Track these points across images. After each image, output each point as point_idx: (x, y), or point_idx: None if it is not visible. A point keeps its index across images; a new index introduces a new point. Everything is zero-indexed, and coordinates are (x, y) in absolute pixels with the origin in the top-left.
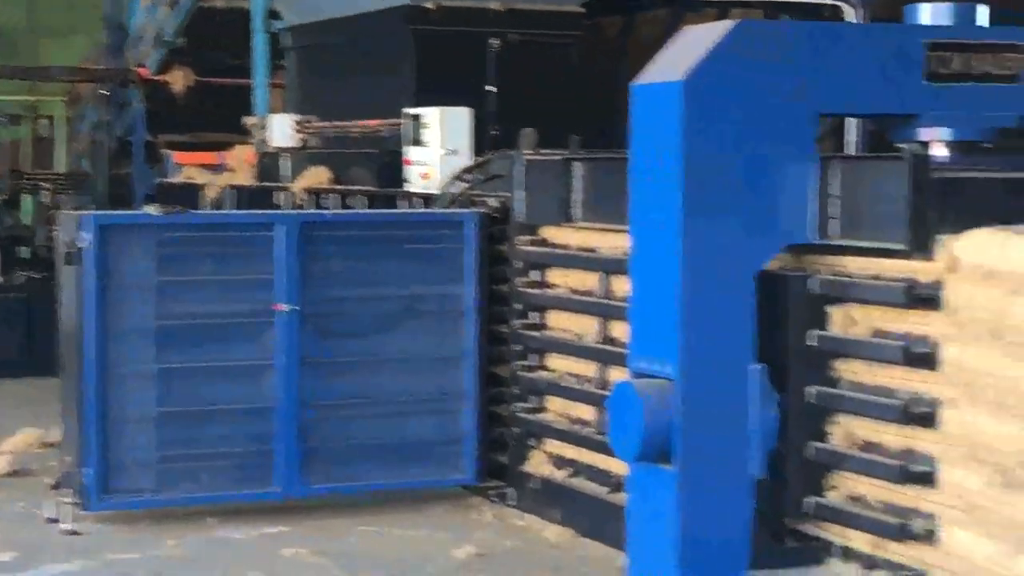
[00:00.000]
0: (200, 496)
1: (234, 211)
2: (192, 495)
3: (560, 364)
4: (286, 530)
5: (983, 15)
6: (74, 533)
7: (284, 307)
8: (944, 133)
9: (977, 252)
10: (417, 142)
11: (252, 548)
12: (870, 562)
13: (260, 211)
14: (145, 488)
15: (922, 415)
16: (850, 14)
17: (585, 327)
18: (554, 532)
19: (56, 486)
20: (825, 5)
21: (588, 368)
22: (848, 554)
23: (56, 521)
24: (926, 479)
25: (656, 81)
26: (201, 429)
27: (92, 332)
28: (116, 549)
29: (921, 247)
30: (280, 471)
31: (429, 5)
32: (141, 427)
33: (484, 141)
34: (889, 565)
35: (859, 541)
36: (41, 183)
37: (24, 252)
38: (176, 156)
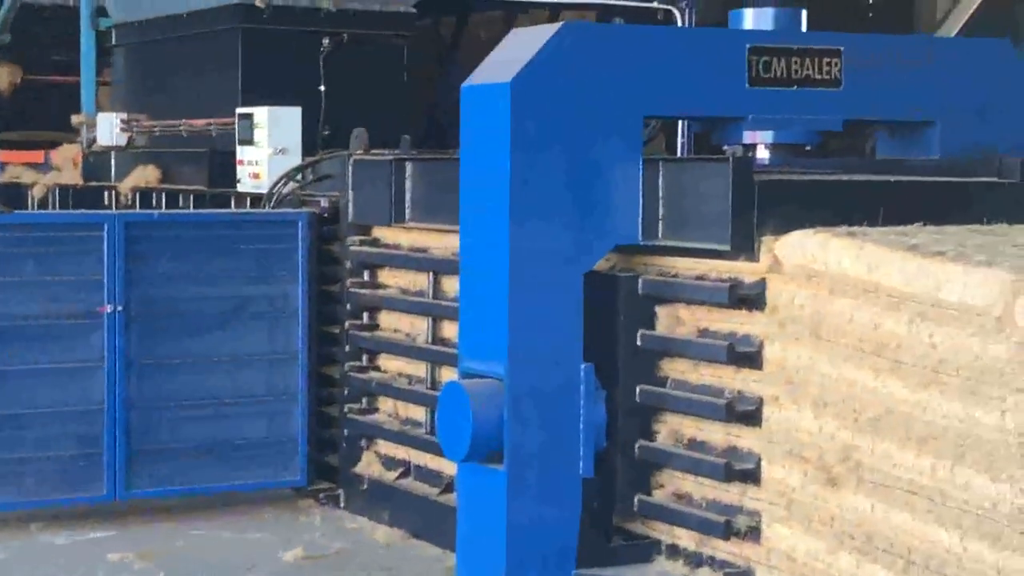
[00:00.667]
0: (23, 501)
1: (59, 211)
2: (15, 500)
3: (391, 365)
4: (112, 534)
5: (804, 20)
6: None
7: (108, 308)
8: (767, 136)
9: (798, 253)
10: (247, 140)
11: (76, 553)
12: (696, 559)
13: (86, 211)
14: None
15: (746, 413)
16: (678, 17)
17: (416, 327)
18: (384, 533)
19: None
20: (657, 9)
21: (419, 368)
22: (674, 552)
23: None
24: (750, 476)
25: (485, 82)
26: (24, 432)
27: None
28: None
29: (744, 248)
30: (106, 474)
31: (259, 3)
32: None
33: (315, 141)
34: (714, 562)
35: (685, 539)
36: None
37: None
38: (0, 155)
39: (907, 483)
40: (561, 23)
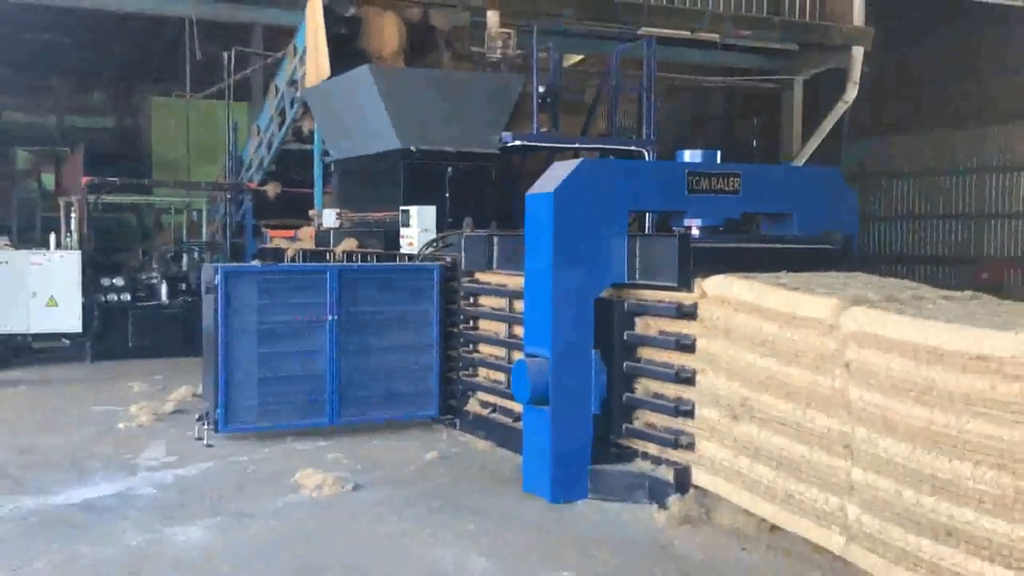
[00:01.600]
0: (282, 424)
1: (302, 263)
2: (277, 423)
3: (486, 349)
4: (330, 443)
5: (718, 157)
6: (210, 446)
7: (329, 317)
8: (697, 221)
9: (716, 288)
10: (406, 224)
11: (310, 453)
12: (658, 460)
13: (317, 263)
14: (250, 420)
15: (686, 378)
16: (646, 155)
17: (499, 328)
18: (482, 444)
19: (200, 419)
20: (634, 150)
21: (501, 351)
22: (646, 456)
23: (200, 439)
24: (689, 414)
25: (539, 192)
26: (284, 387)
27: (221, 332)
28: (234, 454)
29: (685, 285)
30: (327, 410)
31: (412, 149)
32: (249, 385)
33: (443, 224)
34: (668, 462)
35: (652, 449)
36: (193, 247)
37: (182, 286)
38: (270, 232)
39: (779, 419)
40: (580, 159)
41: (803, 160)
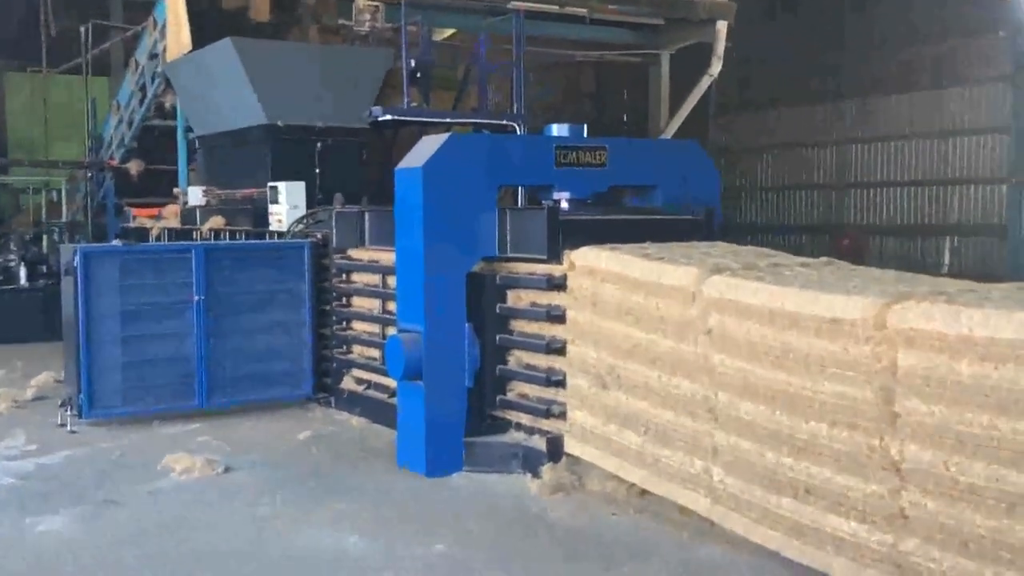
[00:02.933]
0: (149, 408)
1: (167, 243)
2: (144, 408)
3: (359, 326)
4: (200, 426)
5: (585, 131)
6: (73, 432)
7: (196, 298)
8: (566, 195)
9: (584, 259)
10: (274, 201)
11: (180, 437)
12: (530, 430)
13: (182, 243)
14: (116, 405)
15: (557, 348)
16: (517, 129)
17: (372, 305)
18: (357, 421)
19: (63, 405)
20: (506, 124)
21: (375, 328)
22: (520, 427)
23: (63, 426)
24: (560, 384)
25: (408, 166)
26: (151, 370)
27: (82, 314)
28: (99, 440)
29: (555, 257)
30: (196, 393)
31: (280, 124)
32: (113, 370)
33: (313, 201)
34: (540, 431)
35: (525, 419)
36: (53, 228)
37: (42, 268)
38: (133, 211)
39: (645, 385)
40: (450, 133)
41: (671, 134)
